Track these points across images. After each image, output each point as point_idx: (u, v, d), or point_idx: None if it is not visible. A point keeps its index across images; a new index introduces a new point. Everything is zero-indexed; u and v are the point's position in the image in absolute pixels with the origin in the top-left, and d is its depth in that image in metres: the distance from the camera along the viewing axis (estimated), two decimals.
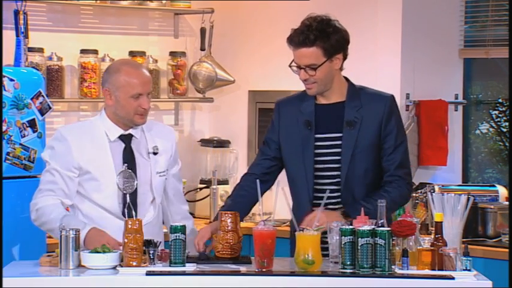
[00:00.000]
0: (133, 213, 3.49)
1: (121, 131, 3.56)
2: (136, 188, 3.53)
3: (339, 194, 3.51)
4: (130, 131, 3.58)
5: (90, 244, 3.31)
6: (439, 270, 3.15)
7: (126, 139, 3.57)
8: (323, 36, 3.44)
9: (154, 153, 3.61)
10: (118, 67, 3.55)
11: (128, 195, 3.51)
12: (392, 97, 3.60)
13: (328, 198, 3.37)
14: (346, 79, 3.61)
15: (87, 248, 3.29)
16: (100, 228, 3.39)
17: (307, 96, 3.57)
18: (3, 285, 3.12)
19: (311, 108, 3.55)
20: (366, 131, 3.50)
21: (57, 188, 3.49)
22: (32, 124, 4.28)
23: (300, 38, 3.44)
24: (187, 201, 5.31)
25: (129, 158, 3.55)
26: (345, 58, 3.54)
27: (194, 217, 5.09)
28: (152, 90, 3.57)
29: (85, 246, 3.32)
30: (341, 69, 3.56)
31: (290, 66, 3.53)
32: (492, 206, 4.69)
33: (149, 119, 3.64)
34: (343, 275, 3.14)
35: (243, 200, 3.56)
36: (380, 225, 3.20)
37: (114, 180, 3.51)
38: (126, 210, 3.50)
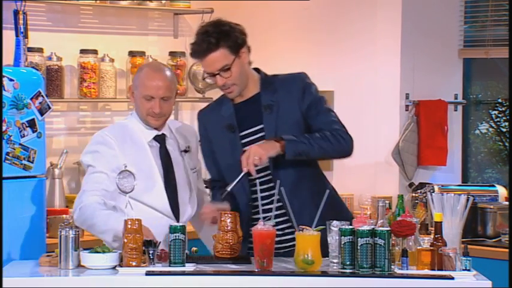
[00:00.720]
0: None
1: (155, 132, 3.60)
2: (176, 190, 3.55)
3: (270, 177, 3.50)
4: (163, 131, 3.61)
5: None
6: (438, 270, 3.15)
7: (161, 139, 3.61)
8: (223, 36, 3.45)
9: (186, 151, 3.65)
10: (142, 67, 3.65)
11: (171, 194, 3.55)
12: (303, 74, 3.60)
13: (261, 185, 3.39)
14: (257, 71, 3.61)
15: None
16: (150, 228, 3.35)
17: (225, 100, 3.60)
18: (4, 285, 3.12)
19: (230, 111, 3.57)
20: (285, 112, 3.51)
21: (101, 189, 3.49)
22: (31, 124, 4.28)
23: (203, 46, 3.44)
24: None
25: (166, 158, 3.59)
26: (249, 51, 3.55)
27: None
28: (170, 96, 3.54)
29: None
30: (250, 63, 3.56)
31: (204, 78, 3.57)
32: (492, 206, 4.69)
33: (170, 119, 3.68)
34: (343, 275, 3.14)
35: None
36: (380, 225, 3.21)
37: (159, 180, 3.55)
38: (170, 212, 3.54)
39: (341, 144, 3.48)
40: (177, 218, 3.57)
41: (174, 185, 3.56)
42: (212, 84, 5.45)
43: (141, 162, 3.54)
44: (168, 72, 3.58)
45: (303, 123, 3.52)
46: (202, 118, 3.68)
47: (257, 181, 3.39)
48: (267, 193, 3.50)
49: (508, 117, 5.26)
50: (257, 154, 3.35)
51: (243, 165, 3.38)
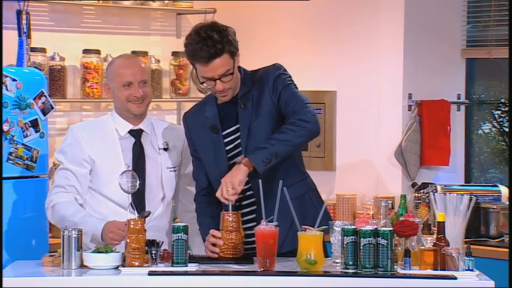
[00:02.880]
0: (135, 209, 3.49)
1: (130, 126, 3.63)
2: (144, 184, 3.56)
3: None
4: (140, 126, 3.64)
5: (105, 237, 3.39)
6: (441, 270, 3.15)
7: (137, 134, 3.63)
8: (227, 41, 3.44)
9: (165, 149, 3.66)
10: (112, 60, 3.73)
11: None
12: (277, 65, 3.58)
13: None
14: (238, 69, 3.58)
15: (105, 242, 3.36)
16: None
17: (210, 100, 3.59)
18: (7, 285, 3.12)
19: (214, 111, 3.56)
20: (258, 104, 3.50)
21: (69, 186, 3.58)
22: (34, 124, 4.29)
23: (209, 51, 3.39)
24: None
25: (138, 153, 3.61)
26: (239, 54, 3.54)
27: None
28: (147, 79, 3.63)
29: (103, 240, 3.39)
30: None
31: (201, 83, 3.50)
32: (494, 206, 4.69)
33: (159, 119, 3.71)
34: (346, 275, 3.14)
35: (212, 222, 3.53)
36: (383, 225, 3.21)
37: None
38: (131, 207, 3.51)
39: (304, 127, 3.42)
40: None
41: (142, 181, 3.54)
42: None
43: (108, 155, 3.59)
44: (139, 59, 3.71)
45: (275, 113, 3.50)
46: (187, 120, 3.65)
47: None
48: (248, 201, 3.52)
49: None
50: (229, 185, 3.35)
51: (222, 201, 3.38)
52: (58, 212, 3.54)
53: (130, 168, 3.48)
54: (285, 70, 3.57)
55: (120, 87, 3.58)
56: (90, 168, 3.60)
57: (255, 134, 3.49)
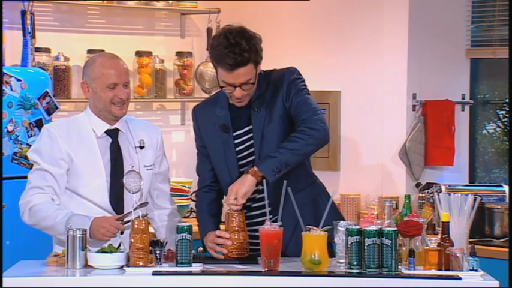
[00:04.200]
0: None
1: (107, 126, 3.56)
2: (122, 184, 3.47)
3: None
4: (116, 125, 3.58)
5: (95, 232, 3.33)
6: (445, 270, 3.15)
7: (113, 134, 3.58)
8: (254, 50, 3.39)
9: (141, 147, 3.61)
10: (94, 59, 3.57)
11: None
12: (292, 68, 3.56)
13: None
14: None
15: (94, 238, 3.32)
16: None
17: (220, 98, 3.57)
18: (11, 285, 3.12)
19: (225, 111, 3.54)
20: (272, 108, 3.49)
21: (46, 186, 3.48)
22: (38, 124, 4.29)
23: (236, 59, 3.35)
24: (194, 201, 5.31)
25: (116, 153, 3.56)
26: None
27: None
28: (129, 81, 3.56)
29: (91, 237, 3.34)
30: None
31: (222, 87, 3.45)
32: (499, 206, 4.68)
33: (139, 117, 3.65)
34: (350, 275, 3.14)
35: (212, 220, 3.55)
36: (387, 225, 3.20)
37: (102, 174, 3.51)
38: (111, 204, 3.50)
39: (314, 136, 3.40)
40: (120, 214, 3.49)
41: (121, 181, 3.47)
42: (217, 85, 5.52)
43: (86, 155, 3.52)
44: (120, 59, 3.58)
45: (287, 118, 3.49)
46: (197, 115, 3.63)
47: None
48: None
49: None
50: (239, 194, 3.34)
51: (232, 208, 3.37)
52: (37, 213, 3.44)
53: (135, 168, 3.48)
54: (300, 74, 3.55)
55: (103, 88, 3.49)
56: (67, 168, 3.51)
57: (268, 139, 3.48)
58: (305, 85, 3.54)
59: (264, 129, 3.48)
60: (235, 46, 3.35)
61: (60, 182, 3.50)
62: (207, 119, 3.59)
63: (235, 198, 3.35)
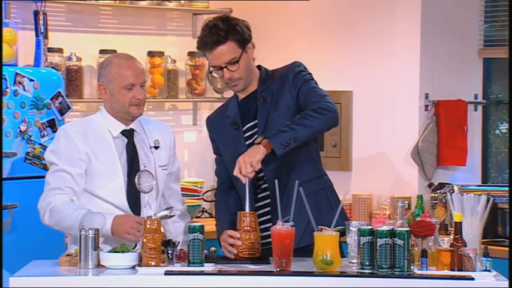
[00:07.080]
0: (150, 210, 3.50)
1: (123, 126, 3.57)
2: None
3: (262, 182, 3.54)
4: (131, 125, 3.59)
5: (119, 230, 3.33)
6: (458, 270, 3.14)
7: (129, 134, 3.59)
8: (232, 29, 3.49)
9: (156, 147, 3.62)
10: (110, 60, 3.57)
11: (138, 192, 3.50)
12: (297, 62, 3.62)
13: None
14: (259, 68, 3.65)
15: (117, 236, 3.33)
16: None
17: (232, 99, 3.64)
18: (24, 285, 3.13)
19: (235, 109, 3.60)
20: (278, 99, 3.54)
21: (65, 187, 3.48)
22: (51, 124, 4.30)
23: (212, 38, 3.47)
24: (206, 201, 5.32)
25: (132, 153, 3.57)
26: (253, 47, 3.58)
27: (212, 217, 5.10)
28: (146, 81, 3.59)
29: (114, 235, 3.35)
30: (253, 59, 3.60)
31: (210, 72, 3.58)
32: None
33: (151, 117, 3.67)
34: (362, 275, 3.14)
35: (229, 218, 3.56)
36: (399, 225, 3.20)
37: (120, 175, 3.52)
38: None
39: (325, 115, 3.43)
40: (138, 215, 3.50)
41: (134, 181, 3.45)
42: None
43: (104, 156, 3.52)
44: (136, 59, 3.60)
45: (293, 108, 3.52)
46: (210, 123, 3.72)
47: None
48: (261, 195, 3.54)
49: None
50: (246, 163, 3.35)
51: (241, 179, 3.38)
52: (57, 213, 3.43)
53: (151, 168, 3.48)
54: (305, 68, 3.62)
55: (120, 89, 3.50)
56: (85, 168, 3.50)
57: (272, 127, 3.50)
58: (311, 76, 3.60)
59: (268, 117, 3.53)
60: (212, 27, 3.49)
61: (79, 182, 3.50)
62: (219, 123, 3.65)
63: (251, 165, 3.34)
